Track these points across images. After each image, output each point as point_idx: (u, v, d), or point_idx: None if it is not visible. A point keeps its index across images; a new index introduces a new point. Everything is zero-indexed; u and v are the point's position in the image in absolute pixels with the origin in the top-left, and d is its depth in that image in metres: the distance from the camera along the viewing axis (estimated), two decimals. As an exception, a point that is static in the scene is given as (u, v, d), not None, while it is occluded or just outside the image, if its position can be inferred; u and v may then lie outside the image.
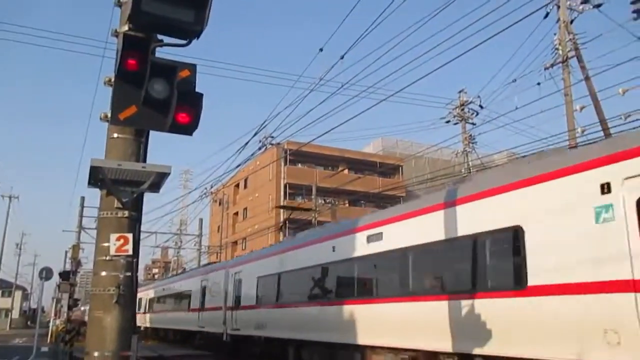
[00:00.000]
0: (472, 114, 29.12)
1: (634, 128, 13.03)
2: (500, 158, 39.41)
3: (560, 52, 18.79)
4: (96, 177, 4.46)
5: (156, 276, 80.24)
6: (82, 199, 34.99)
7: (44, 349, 24.71)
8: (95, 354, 4.22)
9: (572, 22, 18.69)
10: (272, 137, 25.10)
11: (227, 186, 49.24)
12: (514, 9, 12.10)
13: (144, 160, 4.75)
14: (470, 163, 29.32)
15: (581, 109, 17.72)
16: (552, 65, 19.77)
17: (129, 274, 4.43)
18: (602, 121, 16.78)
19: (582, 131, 17.18)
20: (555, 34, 19.25)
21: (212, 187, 33.61)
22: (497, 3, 11.75)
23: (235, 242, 57.00)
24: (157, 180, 4.62)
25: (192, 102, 4.61)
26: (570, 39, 18.44)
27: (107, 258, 4.39)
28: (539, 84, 19.79)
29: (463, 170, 29.26)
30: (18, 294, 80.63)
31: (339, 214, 45.97)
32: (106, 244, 4.39)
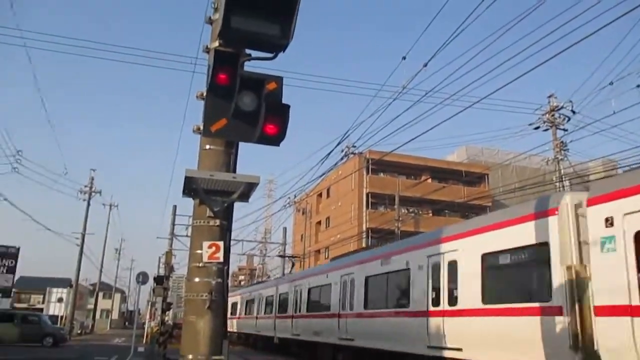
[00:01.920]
0: (564, 119, 27.68)
1: None
2: (595, 166, 37.03)
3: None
4: (190, 187, 4.68)
5: (242, 282, 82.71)
6: (174, 207, 36.90)
7: (141, 349, 26.16)
8: (190, 357, 4.40)
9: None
10: (355, 146, 25.21)
11: (310, 195, 49.93)
12: (608, 8, 11.35)
13: (234, 171, 4.94)
14: (562, 171, 27.81)
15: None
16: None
17: (220, 280, 4.59)
18: None
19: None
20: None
21: (295, 196, 34.23)
22: (591, 2, 11.08)
23: (319, 251, 57.59)
24: (247, 190, 4.78)
25: (279, 113, 4.73)
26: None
27: (200, 265, 4.58)
28: (638, 86, 18.48)
29: (554, 179, 27.82)
30: (117, 297, 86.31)
31: (423, 224, 45.22)
32: (199, 251, 4.58)
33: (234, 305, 38.13)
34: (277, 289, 28.55)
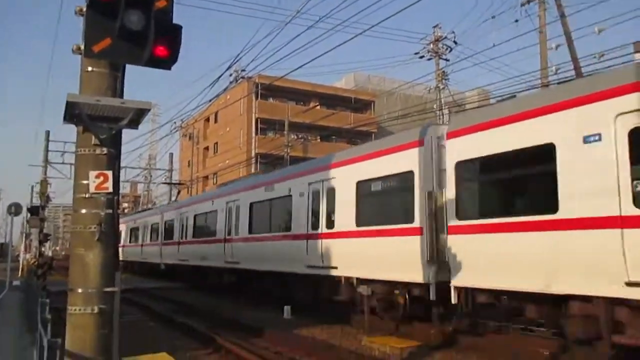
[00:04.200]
0: (447, 49, 28.93)
1: (607, 67, 13.16)
2: (471, 95, 39.52)
3: (537, -13, 18.57)
4: (72, 113, 4.30)
5: (126, 210, 79.83)
6: (47, 133, 33.97)
7: (16, 282, 24.69)
8: (79, 290, 4.23)
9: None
10: (244, 70, 24.61)
11: (197, 120, 48.43)
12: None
13: (121, 96, 4.60)
14: (442, 100, 29.39)
15: (556, 47, 17.74)
16: (528, 2, 19.59)
17: (110, 211, 4.38)
18: (575, 59, 16.87)
19: (556, 70, 17.30)
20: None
21: (182, 121, 33.00)
22: None
23: (207, 177, 56.81)
24: (136, 117, 4.48)
25: (170, 34, 4.43)
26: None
27: (87, 196, 4.31)
28: (516, 21, 19.64)
29: (435, 107, 29.36)
30: (-16, 229, 79.65)
31: (311, 150, 46.06)
32: (85, 182, 4.30)
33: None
34: (162, 217, 28.51)
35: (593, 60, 16.05)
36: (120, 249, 27.29)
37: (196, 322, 13.15)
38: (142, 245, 33.39)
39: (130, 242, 36.54)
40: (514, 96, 10.20)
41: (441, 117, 26.82)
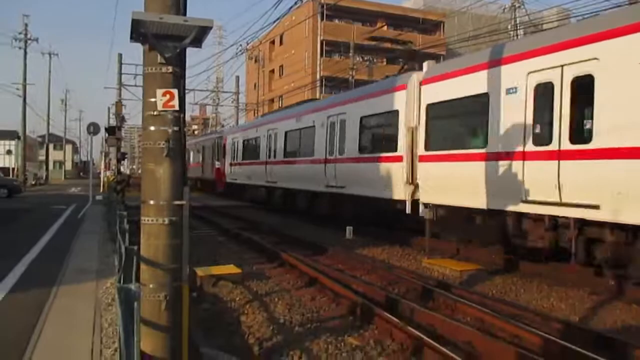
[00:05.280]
0: (526, -37, 26.68)
1: None
2: (549, 15, 36.70)
3: None
4: (138, 31, 4.37)
5: (196, 132, 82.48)
6: (120, 55, 34.98)
7: (99, 197, 26.59)
8: (151, 202, 4.49)
9: None
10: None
11: (262, 42, 48.18)
12: None
13: (184, 13, 4.63)
14: (518, 20, 27.57)
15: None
16: None
17: (176, 128, 4.53)
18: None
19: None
20: None
21: (247, 43, 32.93)
22: None
23: (272, 100, 57.24)
24: (199, 35, 4.50)
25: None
26: None
27: (155, 113, 4.47)
28: None
29: (510, 27, 27.66)
30: (68, 148, 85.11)
31: (377, 72, 45.02)
32: (153, 100, 4.44)
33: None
34: (216, 141, 32.96)
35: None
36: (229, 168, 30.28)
37: (262, 239, 13.76)
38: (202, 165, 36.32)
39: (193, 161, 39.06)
40: (597, 15, 10.22)
41: (516, 38, 25.26)
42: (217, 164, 32.12)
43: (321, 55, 48.34)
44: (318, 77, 46.87)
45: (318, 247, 12.72)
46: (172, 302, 4.46)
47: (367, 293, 8.34)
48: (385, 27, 48.21)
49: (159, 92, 4.44)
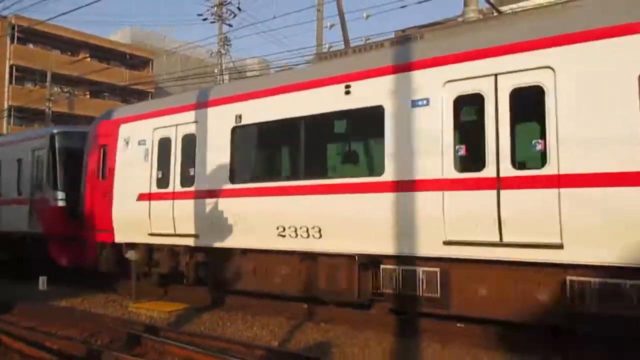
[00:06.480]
0: (231, 15, 28.71)
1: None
2: (252, 63, 40.23)
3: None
4: None
5: None
6: None
7: None
8: None
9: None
10: (-5, 6, 20.97)
11: None
12: None
13: None
14: (224, 65, 29.31)
15: (331, 26, 19.00)
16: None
17: None
18: (346, 41, 18.30)
19: (330, 47, 18.50)
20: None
21: None
22: None
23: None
24: None
25: None
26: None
27: None
28: (294, -5, 20.40)
29: (216, 71, 29.17)
30: None
31: (78, 105, 41.95)
32: None
33: None
34: None
35: (360, 42, 17.62)
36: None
37: None
38: None
39: None
40: (290, 68, 11.18)
41: (222, 81, 26.81)
42: None
43: (10, 82, 42.56)
44: (6, 105, 41.05)
45: (2, 303, 10.84)
46: None
47: (66, 349, 7.46)
48: (89, 58, 45.43)
49: None
